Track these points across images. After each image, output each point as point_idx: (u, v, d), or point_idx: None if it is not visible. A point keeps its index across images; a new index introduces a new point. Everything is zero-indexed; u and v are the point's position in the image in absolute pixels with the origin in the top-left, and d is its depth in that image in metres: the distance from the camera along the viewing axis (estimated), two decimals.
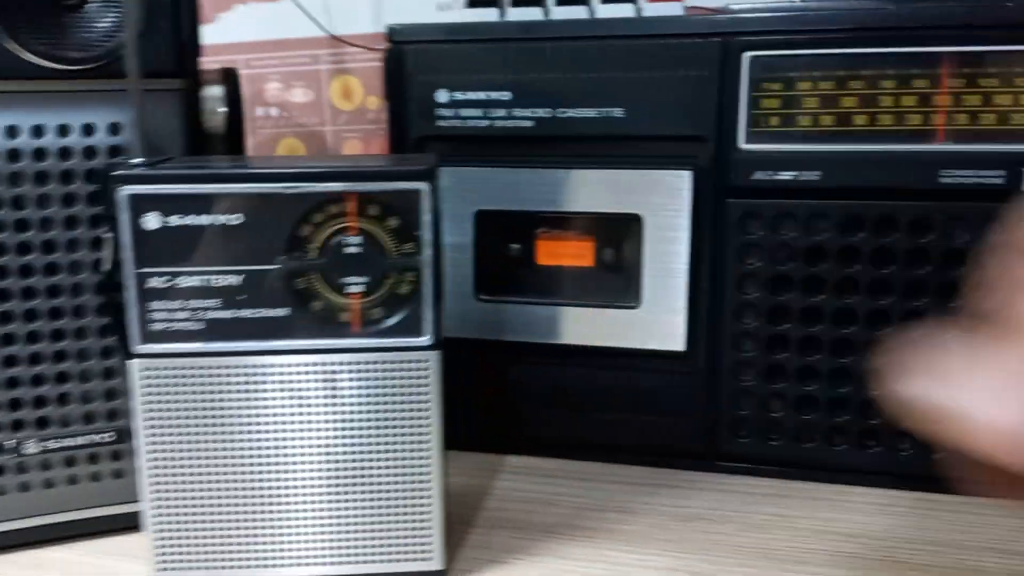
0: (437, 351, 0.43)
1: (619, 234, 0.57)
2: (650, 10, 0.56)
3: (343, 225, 0.42)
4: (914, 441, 0.54)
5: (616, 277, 0.58)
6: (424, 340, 0.43)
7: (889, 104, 0.51)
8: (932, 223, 0.51)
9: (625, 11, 0.56)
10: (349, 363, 0.43)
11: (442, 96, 0.57)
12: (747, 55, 0.52)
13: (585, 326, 0.58)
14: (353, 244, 0.42)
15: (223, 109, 0.51)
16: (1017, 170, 0.50)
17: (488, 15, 0.58)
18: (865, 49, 0.51)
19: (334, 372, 0.43)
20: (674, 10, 0.56)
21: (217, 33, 0.86)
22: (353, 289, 0.42)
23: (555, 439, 0.60)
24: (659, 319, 0.57)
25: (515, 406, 0.60)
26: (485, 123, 0.57)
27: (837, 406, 0.55)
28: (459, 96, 0.57)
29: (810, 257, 0.53)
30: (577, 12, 0.57)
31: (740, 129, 0.53)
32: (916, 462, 0.54)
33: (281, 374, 0.43)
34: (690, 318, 0.56)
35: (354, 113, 0.85)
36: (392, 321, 0.43)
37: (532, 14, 0.57)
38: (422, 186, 0.41)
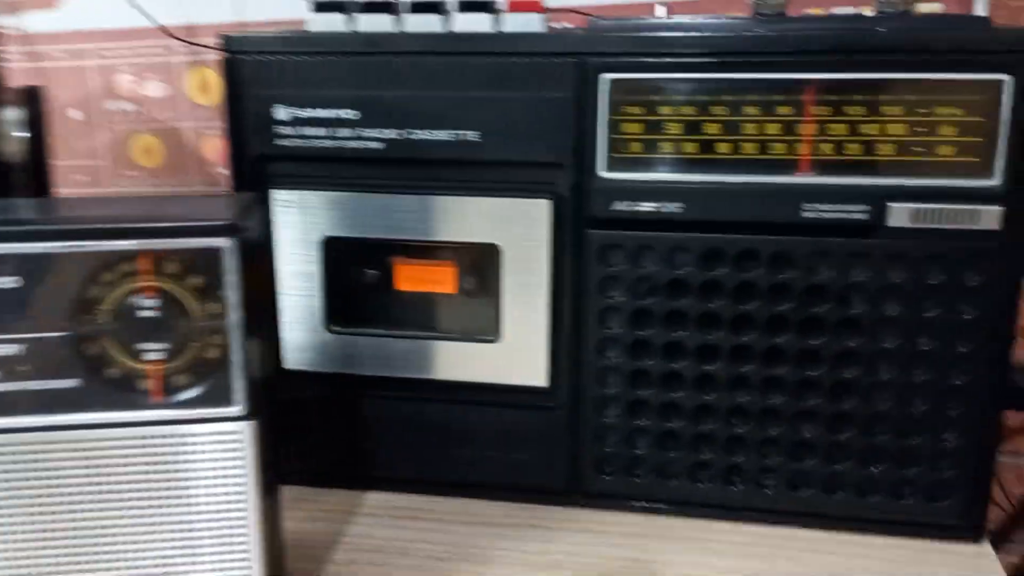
0: (251, 421, 0.39)
1: (478, 264, 0.53)
2: (510, 21, 0.52)
3: (137, 285, 0.37)
4: (778, 477, 0.52)
5: (477, 308, 0.54)
6: (234, 410, 0.39)
7: (752, 132, 0.48)
8: (794, 258, 0.49)
9: (483, 22, 0.52)
10: (149, 437, 0.38)
11: (281, 113, 0.53)
12: (605, 77, 0.49)
13: (444, 360, 0.55)
14: (149, 306, 0.37)
15: (22, 134, 0.46)
16: (881, 205, 0.48)
17: (334, 23, 0.53)
18: (729, 74, 0.48)
19: (133, 448, 0.38)
20: (533, 24, 0.51)
21: (62, 21, 0.79)
22: (151, 356, 0.38)
23: (415, 476, 0.57)
24: (520, 353, 0.54)
25: (372, 442, 0.57)
26: (331, 143, 0.52)
27: (701, 442, 0.53)
28: (301, 113, 0.52)
29: (672, 291, 0.51)
30: (432, 22, 0.52)
31: (599, 156, 0.50)
32: (780, 498, 0.52)
33: (74, 450, 0.38)
34: (552, 353, 0.53)
35: (214, 108, 0.79)
36: (196, 391, 0.39)
37: (382, 23, 0.52)
38: (224, 243, 0.37)
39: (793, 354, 0.50)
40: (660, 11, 0.51)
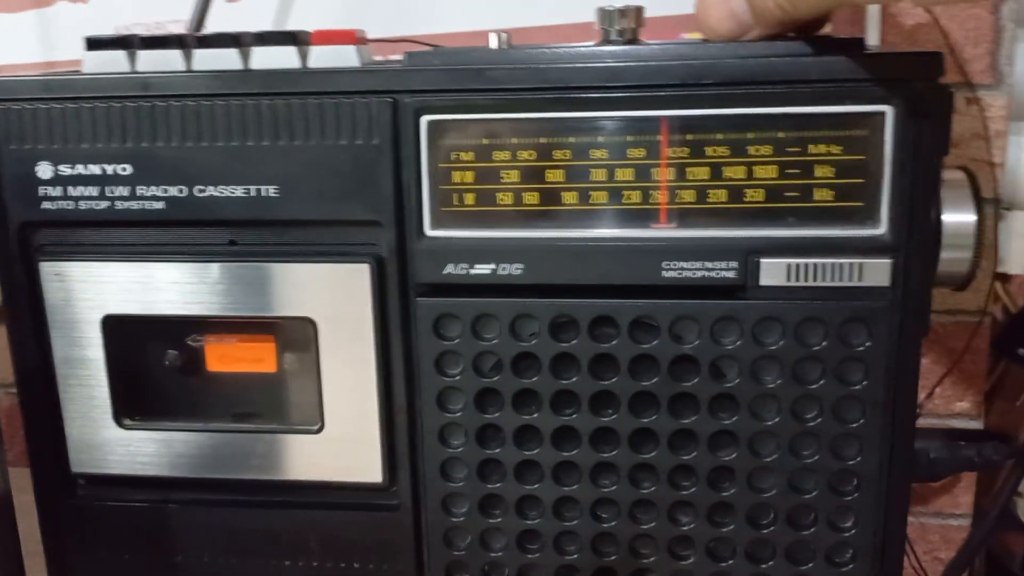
0: None
1: (294, 341, 0.45)
2: (319, 56, 0.43)
3: None
4: None
5: (297, 393, 0.46)
6: None
7: (601, 179, 0.41)
8: (657, 325, 0.42)
9: (288, 57, 0.44)
10: None
11: (45, 171, 0.44)
12: (426, 119, 0.41)
13: (262, 455, 0.46)
14: None
15: None
16: (752, 260, 0.40)
17: (112, 62, 0.44)
18: (569, 113, 0.41)
19: None
20: (347, 57, 0.43)
21: None
22: None
23: None
24: (348, 444, 0.45)
25: (181, 556, 0.48)
26: (103, 204, 0.43)
27: (565, 541, 0.45)
28: (67, 171, 0.43)
29: (519, 367, 0.43)
30: (227, 58, 0.44)
31: (425, 211, 0.42)
32: None
33: None
34: (386, 443, 0.45)
35: None
36: None
37: (169, 61, 0.44)
38: None
39: (664, 436, 0.43)
40: (493, 40, 0.44)
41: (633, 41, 0.43)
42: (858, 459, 0.42)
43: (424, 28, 0.62)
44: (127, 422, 0.46)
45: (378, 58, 0.47)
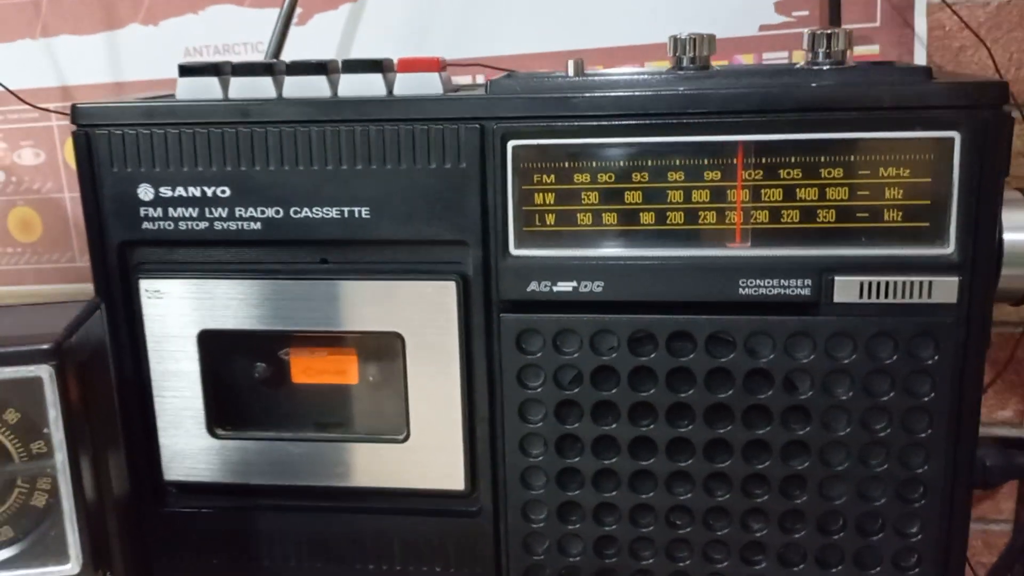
0: None
1: (381, 355, 0.47)
2: (404, 83, 0.46)
3: None
4: None
5: (382, 404, 0.48)
6: (68, 568, 0.32)
7: (678, 200, 0.43)
8: (733, 340, 0.43)
9: (374, 84, 0.46)
10: None
11: (145, 192, 0.46)
12: (512, 144, 0.43)
13: (347, 464, 0.48)
14: None
15: None
16: (826, 278, 0.42)
17: (205, 88, 0.46)
18: (648, 138, 0.43)
19: None
20: (431, 83, 0.46)
21: None
22: None
23: None
24: (432, 453, 0.47)
25: (269, 560, 0.50)
26: (202, 225, 0.46)
27: (641, 546, 0.47)
28: (167, 192, 0.46)
29: (599, 380, 0.45)
30: (315, 85, 0.46)
31: (510, 231, 0.44)
32: None
33: None
34: (469, 452, 0.47)
35: None
36: (21, 546, 0.31)
37: (260, 88, 0.46)
38: (43, 371, 0.30)
39: (738, 446, 0.44)
40: (571, 66, 0.46)
41: (705, 67, 0.45)
42: (924, 468, 0.44)
43: (486, 49, 0.64)
44: (220, 432, 0.48)
45: (456, 80, 0.49)
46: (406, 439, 0.47)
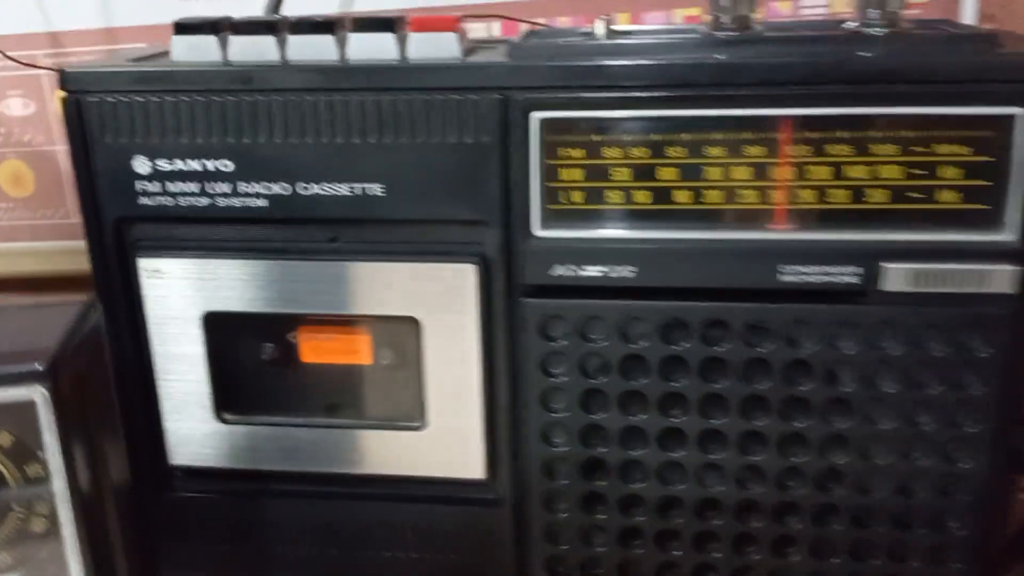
0: None
1: (396, 340, 0.44)
2: (418, 43, 0.42)
3: None
4: None
5: (398, 389, 0.45)
6: None
7: (717, 178, 0.40)
8: (771, 329, 0.41)
9: (384, 44, 0.42)
10: None
11: (142, 165, 0.43)
12: (537, 116, 0.40)
13: (360, 450, 0.46)
14: None
15: None
16: (875, 265, 0.39)
17: (202, 47, 0.43)
18: (685, 111, 0.39)
19: None
20: (447, 45, 0.42)
21: None
22: None
23: None
24: (450, 442, 0.45)
25: (280, 546, 0.48)
26: (204, 201, 0.43)
27: (668, 539, 0.45)
28: (165, 166, 0.42)
29: (627, 369, 0.42)
30: (322, 45, 0.42)
31: (533, 211, 0.41)
32: None
33: None
34: (488, 440, 0.45)
35: None
36: (19, 574, 0.29)
37: (262, 48, 0.42)
38: (36, 393, 0.28)
39: (774, 439, 0.42)
40: (600, 27, 0.42)
41: (746, 27, 0.41)
42: (970, 463, 0.42)
43: None
44: (228, 416, 0.46)
45: (477, 39, 0.46)
46: (423, 427, 0.45)
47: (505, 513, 0.46)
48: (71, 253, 0.67)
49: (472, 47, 0.45)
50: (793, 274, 0.40)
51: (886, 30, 0.40)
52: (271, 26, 0.43)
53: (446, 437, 0.45)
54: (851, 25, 0.42)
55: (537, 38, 0.45)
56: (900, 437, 0.41)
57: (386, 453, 0.46)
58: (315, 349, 0.46)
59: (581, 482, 0.44)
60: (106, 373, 0.38)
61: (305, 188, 0.42)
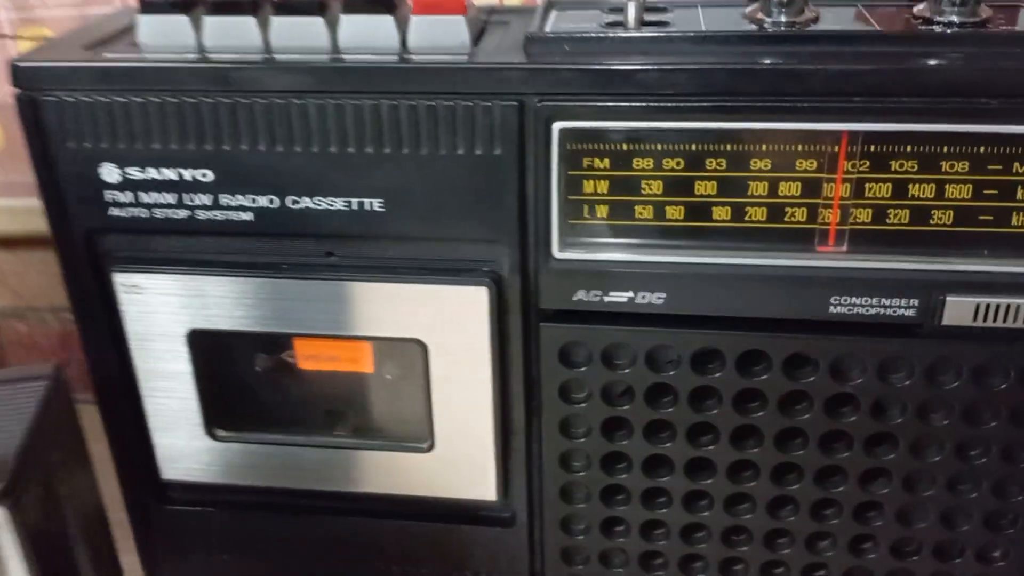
0: None
1: (401, 363, 0.41)
2: (419, 31, 0.36)
3: None
4: None
5: (402, 410, 0.42)
6: None
7: (761, 193, 0.35)
8: (815, 362, 0.37)
9: (381, 28, 0.37)
10: None
11: (110, 173, 0.38)
12: (559, 126, 0.35)
13: (363, 471, 0.43)
14: None
15: None
16: (936, 298, 0.35)
17: (173, 28, 0.37)
18: (727, 124, 0.34)
19: None
20: (454, 32, 0.36)
21: None
22: None
23: None
24: (460, 464, 0.42)
25: (275, 564, 0.46)
26: (183, 214, 0.38)
27: (692, 565, 0.42)
28: (136, 174, 0.38)
29: (654, 398, 0.39)
30: (309, 28, 0.37)
31: (553, 230, 0.36)
32: None
33: None
34: (501, 463, 0.42)
35: None
36: None
37: (242, 30, 0.37)
38: None
39: (810, 471, 0.39)
40: (631, 12, 0.37)
41: (800, 10, 0.36)
42: (1021, 497, 0.39)
43: None
44: (219, 433, 0.43)
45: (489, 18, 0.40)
46: (430, 448, 0.42)
47: (519, 533, 0.43)
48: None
49: (481, 25, 0.39)
50: (845, 305, 0.36)
51: (964, 21, 0.35)
52: (252, 6, 0.37)
53: (455, 459, 0.42)
54: (922, 8, 0.36)
55: (557, 12, 0.39)
56: (947, 471, 0.38)
57: (391, 473, 0.43)
58: (312, 365, 0.42)
59: (600, 507, 0.41)
60: (84, 458, 0.34)
61: (295, 202, 0.37)
